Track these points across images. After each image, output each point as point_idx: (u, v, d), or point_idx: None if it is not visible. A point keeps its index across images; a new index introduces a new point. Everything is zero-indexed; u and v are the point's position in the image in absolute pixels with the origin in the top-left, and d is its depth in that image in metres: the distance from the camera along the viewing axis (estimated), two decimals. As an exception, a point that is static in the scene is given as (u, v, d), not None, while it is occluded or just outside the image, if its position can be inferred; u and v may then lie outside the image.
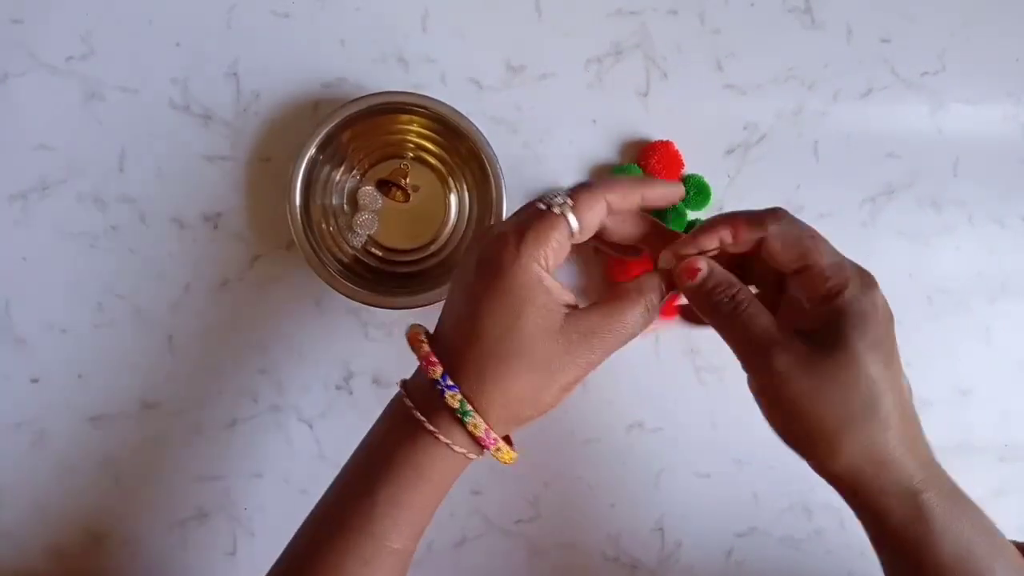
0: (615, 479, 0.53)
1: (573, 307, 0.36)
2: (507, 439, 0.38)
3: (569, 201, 0.35)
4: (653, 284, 0.37)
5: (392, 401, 0.39)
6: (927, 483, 0.33)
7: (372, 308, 0.50)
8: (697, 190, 0.52)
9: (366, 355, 0.53)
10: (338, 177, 0.52)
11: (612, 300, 0.36)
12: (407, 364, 0.52)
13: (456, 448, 0.35)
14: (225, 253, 0.52)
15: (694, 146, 0.53)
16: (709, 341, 0.54)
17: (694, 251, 0.37)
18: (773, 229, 0.35)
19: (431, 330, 0.38)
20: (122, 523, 0.52)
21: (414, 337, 0.37)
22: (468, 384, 0.35)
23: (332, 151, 0.51)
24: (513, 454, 0.37)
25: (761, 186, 0.54)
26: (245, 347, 0.52)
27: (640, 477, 0.53)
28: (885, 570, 0.36)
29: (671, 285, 0.38)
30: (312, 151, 0.49)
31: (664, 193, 0.38)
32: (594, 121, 0.53)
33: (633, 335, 0.36)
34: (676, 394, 0.54)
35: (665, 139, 0.52)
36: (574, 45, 0.53)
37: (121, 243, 0.52)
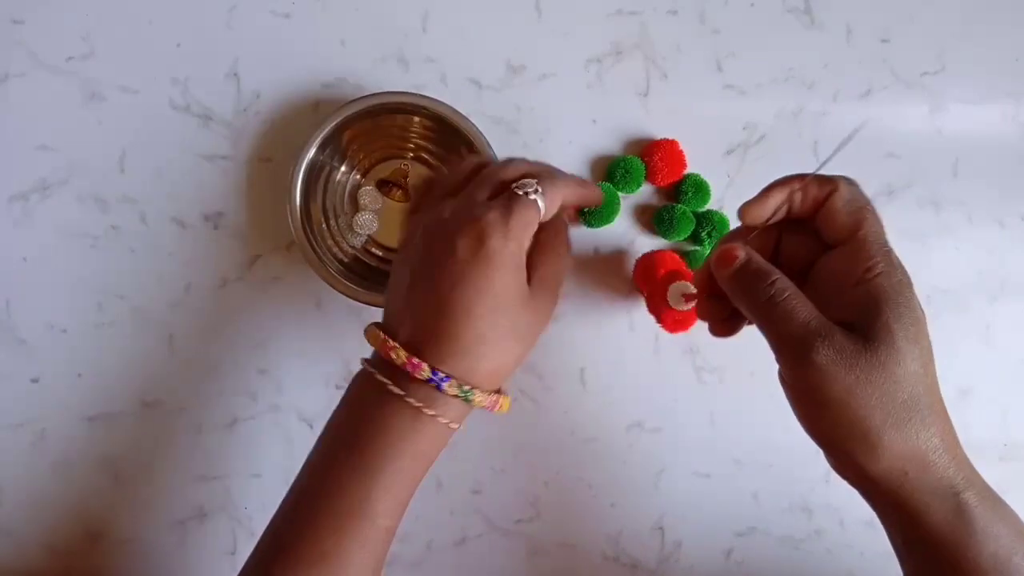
0: (615, 479, 0.53)
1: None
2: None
3: (540, 188, 0.38)
4: (559, 226, 0.40)
5: (360, 383, 0.39)
6: (967, 483, 0.32)
7: (372, 308, 0.50)
8: (696, 189, 0.52)
9: (366, 354, 0.52)
10: (338, 177, 0.52)
11: (542, 254, 0.39)
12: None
13: (453, 425, 0.37)
14: (225, 253, 0.52)
15: (694, 146, 0.53)
16: (709, 341, 0.53)
17: (765, 209, 0.36)
18: (843, 189, 0.35)
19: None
20: (122, 522, 0.52)
21: (383, 343, 0.37)
22: (459, 361, 0.36)
23: (333, 151, 0.51)
24: (508, 399, 0.39)
25: (761, 186, 0.53)
26: (245, 346, 0.52)
27: (640, 477, 0.53)
28: (912, 572, 0.35)
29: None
30: (312, 151, 0.49)
31: (587, 195, 0.43)
32: (594, 121, 0.53)
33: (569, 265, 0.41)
34: (676, 394, 0.54)
35: (668, 138, 0.53)
36: (574, 45, 0.53)
37: (121, 243, 0.52)
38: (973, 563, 0.32)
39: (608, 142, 0.53)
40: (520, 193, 0.37)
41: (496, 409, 0.38)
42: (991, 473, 0.54)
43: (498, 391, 0.38)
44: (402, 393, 0.36)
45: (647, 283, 0.49)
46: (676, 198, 0.53)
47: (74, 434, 0.51)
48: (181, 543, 0.52)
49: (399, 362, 0.36)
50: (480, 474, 0.53)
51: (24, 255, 0.52)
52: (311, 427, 0.52)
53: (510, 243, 0.36)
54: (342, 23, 0.53)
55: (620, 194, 0.53)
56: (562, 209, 0.40)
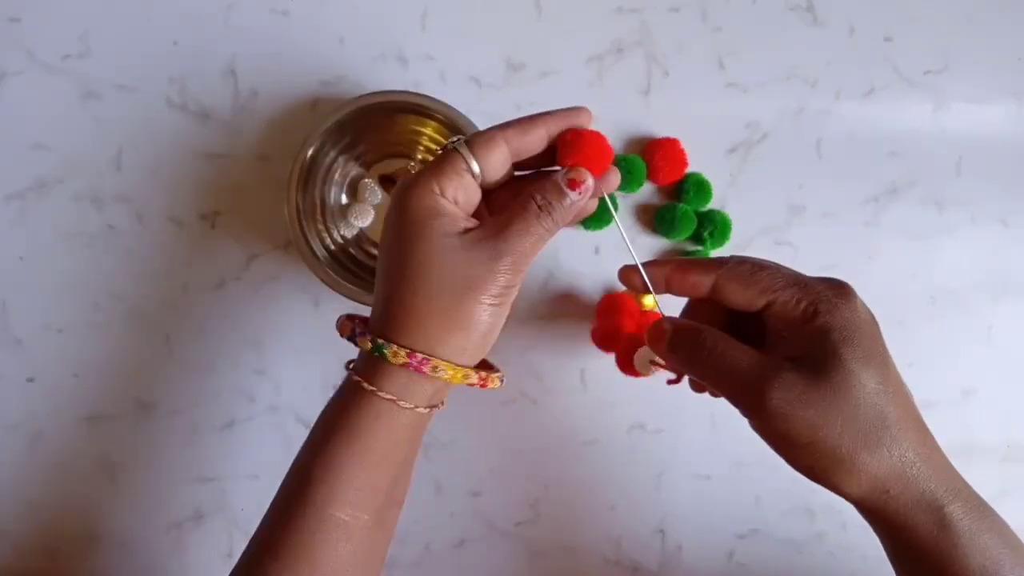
0: (616, 481, 0.53)
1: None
2: (486, 370, 0.37)
3: (463, 139, 0.35)
4: (547, 183, 0.35)
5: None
6: (951, 495, 0.32)
7: (371, 308, 0.50)
8: (697, 188, 0.52)
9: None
10: (340, 166, 0.51)
11: (511, 207, 0.35)
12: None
13: (399, 403, 0.34)
14: (222, 252, 0.52)
15: (696, 145, 0.53)
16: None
17: (632, 282, 0.37)
18: (721, 272, 0.35)
19: None
20: (118, 524, 0.51)
21: (342, 321, 0.37)
22: (384, 322, 0.34)
23: (341, 138, 0.50)
24: (495, 375, 0.36)
25: (763, 185, 0.53)
26: (242, 347, 0.52)
27: (641, 479, 0.53)
28: None
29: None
30: (311, 150, 0.49)
31: (566, 117, 0.37)
32: (595, 120, 0.53)
33: (539, 234, 0.35)
34: (677, 396, 0.53)
35: (670, 137, 0.52)
36: (575, 43, 0.53)
37: (118, 243, 0.51)
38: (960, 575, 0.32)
39: (609, 140, 0.53)
40: (438, 149, 0.36)
41: (430, 370, 0.34)
42: (993, 474, 0.54)
43: (483, 369, 0.36)
44: (354, 373, 0.35)
45: (611, 346, 0.49)
46: (677, 197, 0.53)
47: (70, 435, 0.51)
48: (178, 544, 0.52)
49: (346, 335, 0.36)
50: (480, 476, 0.53)
51: (20, 254, 0.51)
52: (308, 428, 0.52)
53: (416, 187, 0.34)
54: (340, 21, 0.52)
55: (621, 193, 0.53)
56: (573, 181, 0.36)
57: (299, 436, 0.51)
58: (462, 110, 0.49)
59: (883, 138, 0.54)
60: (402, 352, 0.33)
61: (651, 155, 0.52)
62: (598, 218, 0.51)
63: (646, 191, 0.53)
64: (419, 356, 0.33)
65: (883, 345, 0.33)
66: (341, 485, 0.34)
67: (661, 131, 0.53)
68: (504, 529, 0.53)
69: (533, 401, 0.53)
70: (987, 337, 0.55)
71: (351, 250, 0.52)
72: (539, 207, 0.35)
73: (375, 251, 0.53)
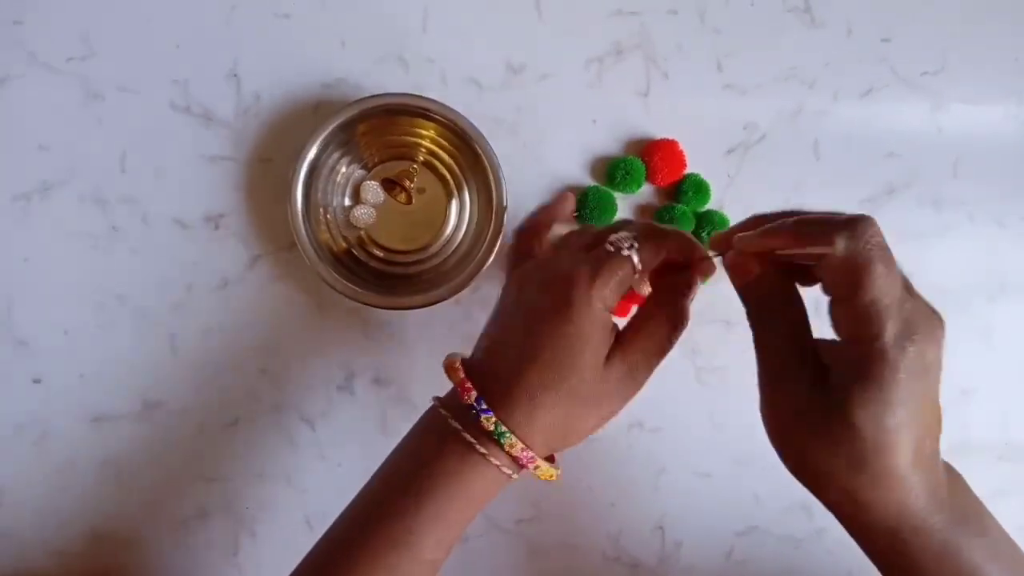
0: (615, 479, 0.53)
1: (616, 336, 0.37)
2: (549, 458, 0.39)
3: (636, 244, 0.37)
4: (679, 308, 0.38)
5: (426, 417, 0.39)
6: (916, 521, 0.32)
7: (373, 308, 0.50)
8: (696, 189, 0.52)
9: (367, 355, 0.53)
10: (343, 168, 0.52)
11: (649, 331, 0.37)
12: (408, 364, 0.53)
13: (503, 469, 0.36)
14: (226, 253, 0.52)
15: (694, 146, 0.53)
16: (709, 341, 0.54)
17: (753, 245, 0.35)
18: (839, 247, 0.30)
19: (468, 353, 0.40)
20: (124, 523, 0.52)
21: (450, 365, 0.38)
22: (514, 407, 0.35)
23: (341, 141, 0.51)
24: (553, 470, 0.38)
25: (761, 186, 0.54)
26: (246, 347, 0.52)
27: (640, 477, 0.54)
28: None
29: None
30: (313, 151, 0.49)
31: (693, 251, 0.38)
32: (594, 121, 0.53)
33: (667, 353, 0.38)
34: (676, 394, 0.54)
35: (668, 138, 0.53)
36: (574, 45, 0.53)
37: (122, 244, 0.52)
38: None
39: (608, 142, 0.53)
40: (610, 249, 0.37)
41: (532, 466, 0.36)
42: (991, 474, 0.54)
43: (549, 459, 0.38)
44: (459, 427, 0.36)
45: None
46: (676, 198, 0.53)
47: (76, 435, 0.52)
48: (183, 543, 0.52)
49: (454, 381, 0.37)
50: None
51: (25, 256, 0.52)
52: (312, 427, 0.53)
53: (593, 300, 0.35)
54: (342, 23, 0.53)
55: (620, 194, 0.53)
56: (681, 292, 0.38)
57: (303, 434, 0.52)
58: (462, 111, 0.50)
59: (881, 139, 0.54)
60: (518, 446, 0.35)
61: (650, 156, 0.52)
62: (598, 218, 0.52)
63: (645, 192, 0.54)
64: (530, 454, 0.36)
65: (921, 392, 0.32)
66: (443, 535, 0.36)
67: (660, 132, 0.53)
68: (505, 526, 0.53)
69: (534, 400, 0.53)
70: (984, 337, 0.55)
71: (353, 251, 0.53)
72: (675, 325, 0.38)
73: (377, 252, 0.53)
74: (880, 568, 0.35)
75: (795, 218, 0.33)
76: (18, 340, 0.51)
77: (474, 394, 0.36)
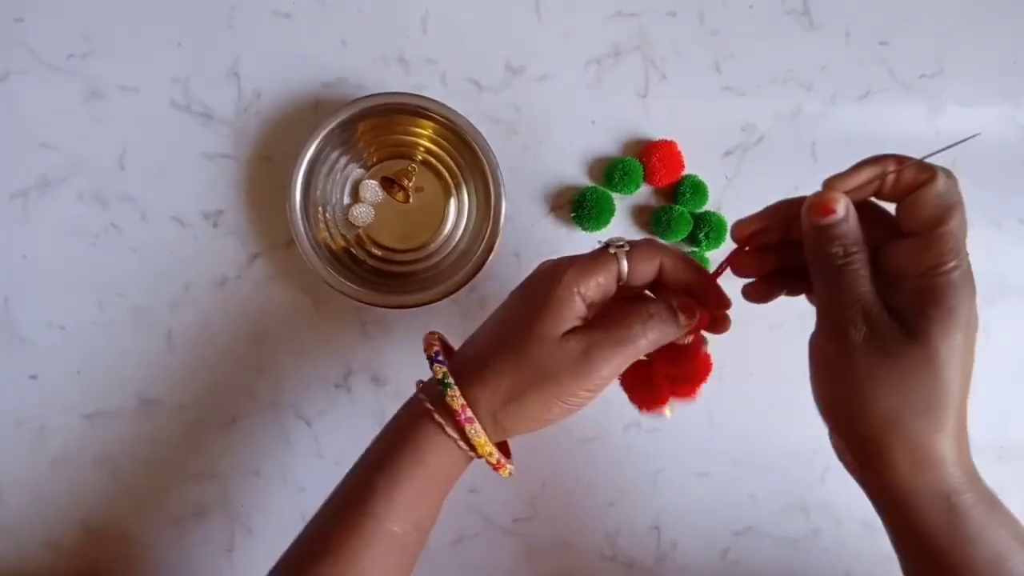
0: (612, 478, 0.53)
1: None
2: (504, 450, 0.39)
3: (626, 247, 0.37)
4: (659, 305, 0.37)
5: (408, 399, 0.40)
6: (964, 486, 0.32)
7: (371, 307, 0.50)
8: (694, 190, 0.52)
9: (365, 353, 0.53)
10: (342, 167, 0.52)
11: (617, 314, 0.37)
12: (406, 363, 0.53)
13: (460, 444, 0.36)
14: (225, 251, 0.52)
15: (693, 147, 0.53)
16: (709, 341, 0.54)
17: (852, 182, 0.34)
18: (940, 181, 0.32)
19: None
20: (120, 520, 0.52)
21: (427, 338, 0.39)
22: (466, 365, 0.37)
23: (341, 140, 0.51)
24: (508, 466, 0.38)
25: (759, 187, 0.54)
26: (244, 345, 0.52)
27: (637, 476, 0.54)
28: (907, 568, 0.35)
29: (698, 317, 0.38)
30: (312, 150, 0.49)
31: (717, 299, 0.38)
32: (593, 122, 0.54)
33: (638, 350, 0.36)
34: (674, 394, 0.54)
35: (667, 139, 0.53)
36: (573, 46, 0.54)
37: (121, 241, 0.52)
38: (966, 565, 0.32)
39: (607, 143, 0.54)
40: (599, 245, 0.38)
41: (468, 426, 0.36)
42: (988, 474, 0.54)
43: (505, 453, 0.39)
44: (423, 397, 0.37)
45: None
46: (674, 199, 0.53)
47: (73, 432, 0.52)
48: (180, 541, 0.52)
49: (427, 354, 0.38)
50: (478, 473, 0.53)
51: (24, 253, 0.52)
52: (309, 425, 0.53)
53: (562, 279, 0.36)
54: (342, 23, 0.53)
55: (619, 195, 0.53)
56: (675, 305, 0.37)
57: (300, 432, 0.52)
58: (462, 111, 0.50)
59: (878, 141, 0.55)
60: (459, 400, 0.36)
61: (648, 157, 0.52)
62: (597, 218, 0.52)
63: (643, 193, 0.54)
64: (468, 413, 0.36)
65: (973, 342, 0.32)
66: (401, 503, 0.37)
67: (658, 133, 0.53)
68: (502, 526, 0.53)
69: (531, 400, 0.53)
70: (982, 338, 0.55)
71: (352, 250, 0.53)
72: (647, 317, 0.36)
73: (375, 251, 0.53)
74: (921, 543, 0.33)
75: (892, 154, 0.34)
76: (16, 337, 0.51)
77: (436, 349, 0.37)
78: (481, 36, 0.53)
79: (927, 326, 0.31)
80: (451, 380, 0.36)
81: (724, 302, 0.38)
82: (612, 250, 0.37)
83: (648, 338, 0.36)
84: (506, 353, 0.36)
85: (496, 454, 0.37)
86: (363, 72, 0.53)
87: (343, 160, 0.52)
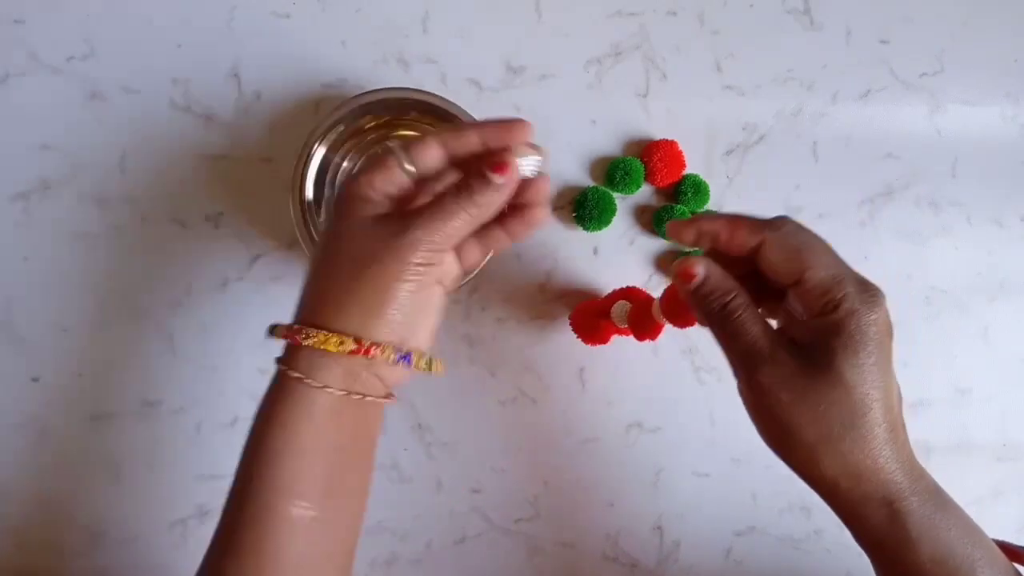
0: (614, 479, 0.53)
1: None
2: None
3: (399, 142, 0.38)
4: (472, 169, 0.36)
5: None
6: (904, 491, 0.34)
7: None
8: (695, 190, 0.52)
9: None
10: (344, 166, 0.52)
11: (438, 197, 0.36)
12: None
13: (291, 372, 0.34)
14: (226, 253, 0.52)
15: (693, 146, 0.53)
16: (708, 341, 0.53)
17: (684, 237, 0.37)
18: (770, 236, 0.34)
19: None
20: (122, 521, 0.52)
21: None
22: (299, 309, 0.36)
23: (345, 138, 0.51)
24: (387, 346, 0.35)
25: (760, 187, 0.54)
26: (245, 346, 0.52)
27: (639, 477, 0.54)
28: (876, 573, 0.37)
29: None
30: (313, 150, 0.49)
31: (498, 131, 0.37)
32: (593, 122, 0.54)
33: (453, 212, 0.35)
34: (675, 394, 0.54)
35: (667, 139, 0.53)
36: (574, 46, 0.54)
37: (123, 243, 0.52)
38: (913, 563, 0.34)
39: (607, 143, 0.54)
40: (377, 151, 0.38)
41: (302, 338, 0.34)
42: (988, 473, 0.54)
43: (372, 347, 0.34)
44: (278, 367, 0.36)
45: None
46: (675, 199, 0.53)
47: (75, 433, 0.52)
48: (182, 542, 0.52)
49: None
50: (480, 473, 0.53)
51: (25, 255, 0.52)
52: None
53: (353, 185, 0.36)
54: (342, 24, 0.53)
55: (620, 195, 0.53)
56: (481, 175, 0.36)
57: (301, 434, 0.52)
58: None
59: (879, 140, 0.55)
60: (282, 327, 0.35)
61: (649, 157, 0.52)
62: (597, 218, 0.52)
63: (644, 192, 0.54)
64: (296, 327, 0.34)
65: (886, 355, 0.34)
66: (276, 474, 0.35)
67: (659, 133, 0.53)
68: (504, 526, 0.53)
69: (532, 400, 0.53)
70: (982, 337, 0.55)
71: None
72: (457, 188, 0.36)
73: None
74: (875, 548, 0.35)
75: (726, 214, 0.36)
76: (18, 338, 0.51)
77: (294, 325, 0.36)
78: (481, 36, 0.53)
79: (831, 355, 0.33)
80: (298, 325, 0.35)
81: (503, 136, 0.37)
82: (391, 143, 0.37)
83: (460, 203, 0.35)
84: (326, 265, 0.36)
85: (349, 342, 0.34)
86: (363, 72, 0.53)
87: (344, 160, 0.52)
